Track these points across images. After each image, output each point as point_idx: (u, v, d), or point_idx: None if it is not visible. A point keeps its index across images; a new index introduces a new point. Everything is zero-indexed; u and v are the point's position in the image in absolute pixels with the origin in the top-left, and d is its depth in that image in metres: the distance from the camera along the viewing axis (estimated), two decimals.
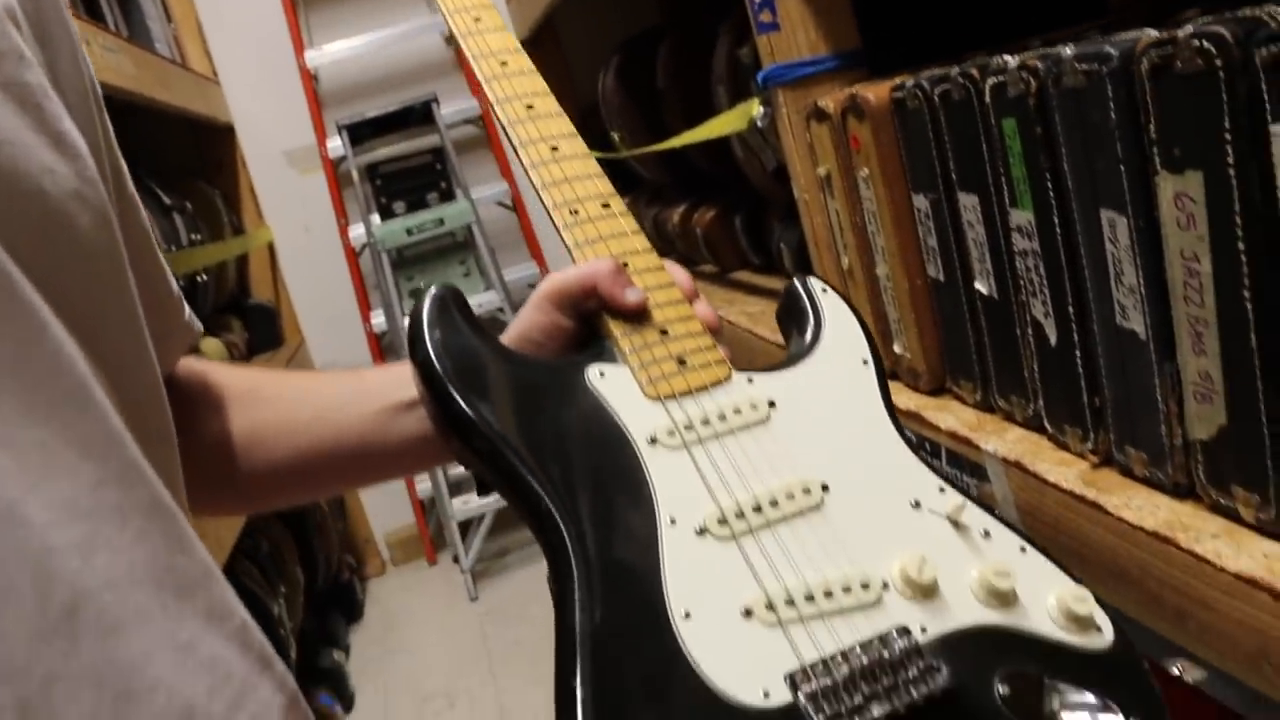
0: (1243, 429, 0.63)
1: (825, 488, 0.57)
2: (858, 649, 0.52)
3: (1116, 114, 0.66)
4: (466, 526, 3.20)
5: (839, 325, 0.66)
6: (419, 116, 3.00)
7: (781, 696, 0.50)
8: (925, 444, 0.95)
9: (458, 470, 3.31)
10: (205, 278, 2.50)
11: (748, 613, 0.53)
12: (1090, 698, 0.53)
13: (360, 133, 3.00)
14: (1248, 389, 0.62)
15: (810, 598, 0.53)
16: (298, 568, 2.58)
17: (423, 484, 3.29)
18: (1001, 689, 0.52)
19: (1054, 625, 0.55)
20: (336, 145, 3.08)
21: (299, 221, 3.18)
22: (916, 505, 0.58)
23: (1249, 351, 0.60)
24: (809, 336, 0.66)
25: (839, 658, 0.51)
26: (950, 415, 0.92)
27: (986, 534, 0.58)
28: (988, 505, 0.59)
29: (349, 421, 0.66)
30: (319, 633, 2.75)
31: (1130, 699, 0.53)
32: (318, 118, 3.13)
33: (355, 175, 3.04)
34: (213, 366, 0.71)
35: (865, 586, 0.54)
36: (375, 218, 3.05)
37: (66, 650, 0.39)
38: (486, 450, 0.58)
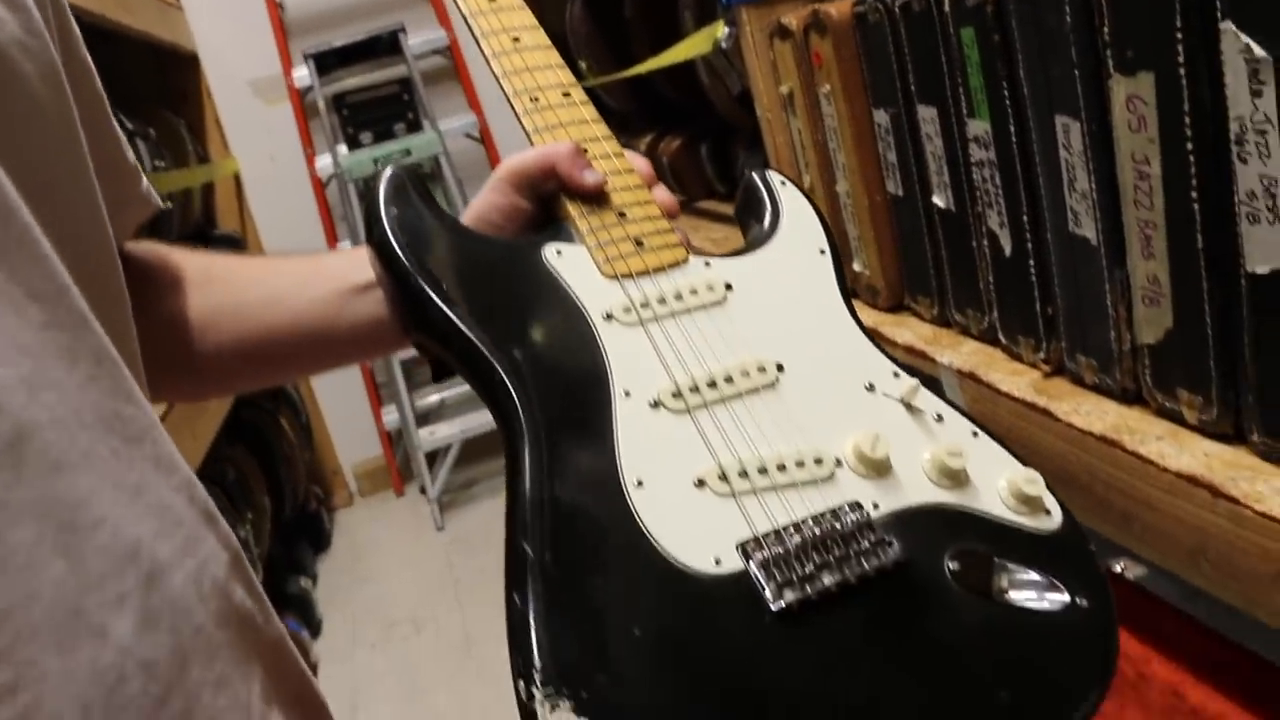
0: (1188, 332, 0.63)
1: (780, 368, 0.56)
2: (810, 521, 0.51)
3: (1071, 17, 0.65)
4: (434, 458, 3.19)
5: (797, 215, 0.65)
6: (386, 46, 2.94)
7: (733, 564, 0.49)
8: None
9: (425, 401, 3.28)
10: (169, 205, 2.45)
11: (700, 483, 0.51)
12: (1037, 577, 0.52)
13: (326, 62, 2.94)
14: (1193, 291, 0.61)
15: (763, 470, 0.52)
16: (265, 496, 2.55)
17: (390, 416, 3.26)
18: (951, 565, 0.52)
19: (1004, 507, 0.54)
20: (303, 75, 3.02)
21: (265, 152, 3.11)
22: (870, 388, 0.57)
23: (1195, 253, 0.59)
24: (767, 225, 0.64)
25: (791, 529, 0.50)
26: (908, 330, 0.91)
27: (939, 418, 0.57)
28: (943, 396, 0.58)
29: (304, 303, 0.64)
30: (286, 561, 2.73)
31: (1076, 580, 0.52)
32: (283, 47, 3.06)
33: (322, 106, 2.98)
34: (169, 249, 0.69)
35: (818, 462, 0.53)
36: (342, 148, 2.99)
37: (9, 481, 0.37)
38: (441, 324, 0.56)
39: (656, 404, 0.54)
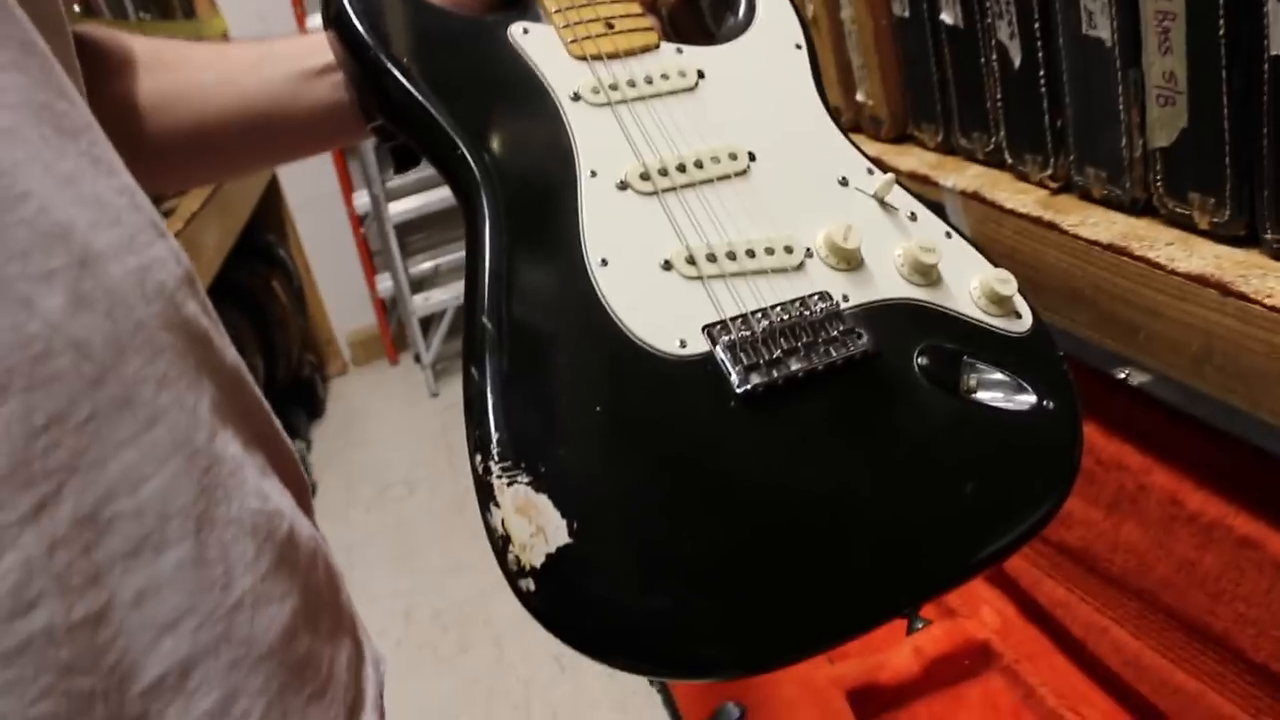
0: (1203, 130, 0.59)
1: (752, 156, 0.52)
2: (778, 308, 0.47)
3: None
4: (428, 324, 3.11)
5: (772, 9, 0.59)
6: None
7: (698, 347, 0.45)
8: None
9: (419, 268, 3.16)
10: None
11: (667, 265, 0.47)
12: (1005, 377, 0.49)
13: None
14: (1211, 85, 0.56)
15: (732, 255, 0.48)
16: (258, 357, 2.45)
17: (384, 283, 3.18)
18: (920, 361, 0.48)
19: (975, 307, 0.51)
20: None
21: (253, 11, 2.93)
22: (844, 182, 0.52)
23: (1216, 42, 0.54)
24: (741, 17, 0.58)
25: (759, 314, 0.46)
26: (911, 158, 0.87)
27: (913, 216, 0.52)
28: (916, 195, 0.53)
29: (257, 86, 0.57)
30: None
31: (1043, 383, 0.49)
32: None
33: None
34: (117, 32, 0.61)
35: (788, 250, 0.49)
36: None
37: None
38: (401, 100, 0.50)
39: (624, 185, 0.49)
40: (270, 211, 2.97)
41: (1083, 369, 0.84)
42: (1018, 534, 0.46)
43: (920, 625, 0.45)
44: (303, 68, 0.58)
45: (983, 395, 0.49)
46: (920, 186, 0.83)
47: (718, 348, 0.45)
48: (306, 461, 2.62)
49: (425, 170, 0.55)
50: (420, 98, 0.49)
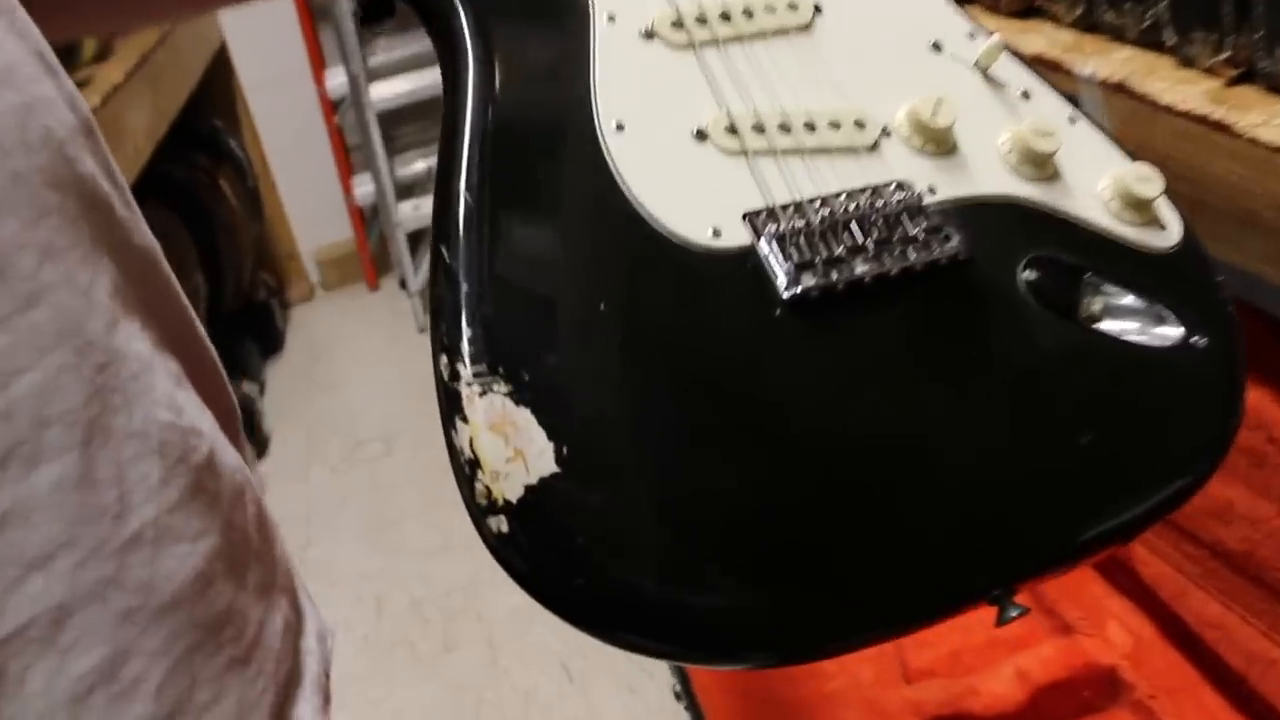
0: None
1: (817, 8, 0.48)
2: (843, 196, 0.44)
3: None
4: (417, 240, 2.89)
5: None
6: None
7: (737, 238, 0.42)
8: None
9: (408, 170, 2.94)
10: None
11: (700, 134, 0.44)
12: (1141, 303, 0.46)
13: None
14: None
15: (785, 126, 0.45)
16: (198, 274, 2.39)
17: (363, 188, 2.95)
18: (1027, 275, 0.45)
19: (1105, 213, 0.47)
20: None
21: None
22: (937, 47, 0.49)
23: None
24: None
25: (817, 202, 0.43)
26: (1039, 37, 0.82)
27: (1026, 94, 0.49)
28: (1034, 71, 0.50)
29: None
30: (225, 360, 2.59)
31: (1192, 313, 0.46)
32: None
33: None
34: None
35: (859, 125, 0.46)
36: None
37: None
38: None
39: (650, 34, 0.46)
40: (218, 90, 2.78)
41: (1253, 314, 0.80)
42: (1145, 509, 0.43)
43: (1015, 614, 0.42)
44: None
45: (1109, 325, 0.45)
46: (1049, 75, 0.80)
47: (762, 240, 0.42)
48: (257, 408, 2.55)
49: (417, 43, 0.53)
50: None
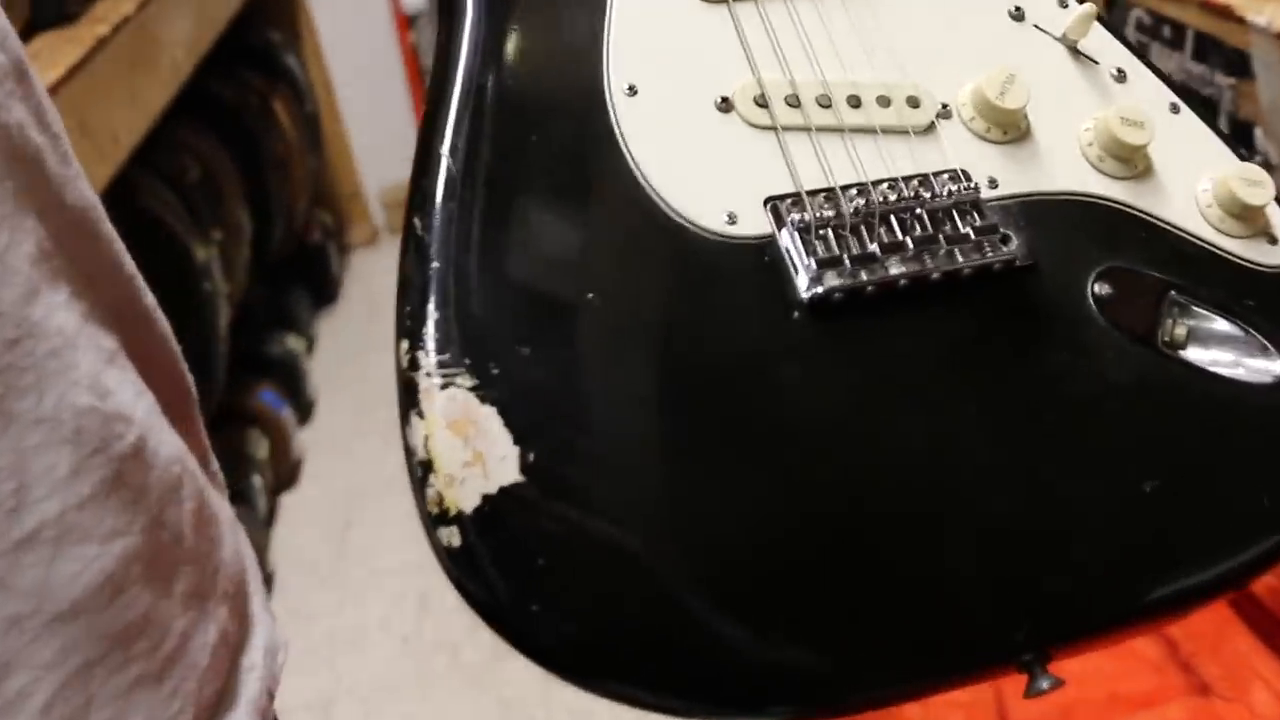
0: None
1: None
2: (885, 184, 0.44)
3: None
4: None
5: None
6: None
7: (756, 225, 0.43)
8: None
9: None
10: None
11: (725, 104, 0.44)
12: (1237, 329, 0.45)
13: None
14: None
15: (825, 101, 0.45)
16: (243, 211, 2.41)
17: None
18: (1099, 289, 0.44)
19: (1201, 219, 0.46)
20: None
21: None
22: (1018, 14, 0.49)
23: None
24: None
25: (854, 189, 0.43)
26: None
27: (1121, 75, 0.48)
28: (1138, 49, 0.49)
29: None
30: (270, 310, 2.58)
31: None
32: None
33: None
34: None
35: (914, 104, 0.46)
36: None
37: None
38: None
39: None
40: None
41: None
42: (1223, 571, 0.42)
43: (1046, 686, 0.42)
44: None
45: (1195, 353, 0.45)
46: (1216, 25, 0.78)
47: (785, 230, 0.42)
48: (302, 367, 2.55)
49: None
50: None
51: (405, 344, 0.40)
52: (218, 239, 2.02)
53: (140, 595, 0.39)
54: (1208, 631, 1.11)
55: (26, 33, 1.63)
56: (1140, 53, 0.49)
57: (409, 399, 0.39)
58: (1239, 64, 0.81)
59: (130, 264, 0.44)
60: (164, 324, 0.46)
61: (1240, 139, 0.88)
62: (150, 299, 0.45)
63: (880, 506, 0.40)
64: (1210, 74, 0.86)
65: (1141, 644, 1.10)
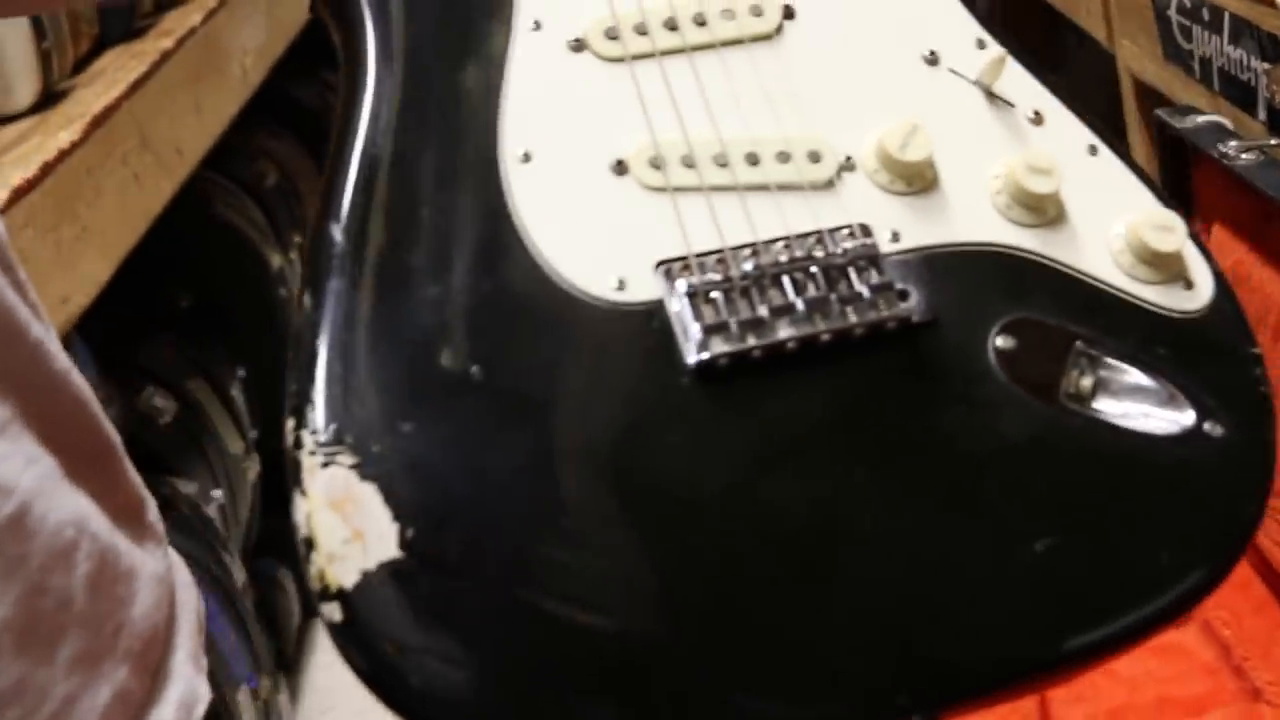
0: None
1: (789, 11, 0.48)
2: (780, 243, 0.44)
3: None
4: None
5: None
6: None
7: (646, 291, 0.43)
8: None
9: None
10: None
11: (620, 167, 0.45)
12: (1145, 380, 0.44)
13: None
14: None
15: (723, 160, 0.45)
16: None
17: None
18: (1001, 342, 0.44)
19: (1114, 266, 0.46)
20: None
21: None
22: (932, 59, 0.48)
23: None
24: None
25: (746, 250, 0.43)
26: None
27: (1037, 118, 0.48)
28: (1055, 85, 0.49)
29: None
30: None
31: (1213, 394, 0.44)
32: None
33: None
34: None
35: (815, 158, 0.45)
36: None
37: None
38: None
39: (580, 45, 0.46)
40: None
41: None
42: (1115, 631, 0.42)
43: None
44: None
45: (1102, 405, 0.44)
46: (1249, 8, 0.76)
47: (674, 295, 0.43)
48: None
49: None
50: None
51: (291, 421, 0.41)
52: (296, 242, 2.05)
53: (10, 665, 0.40)
54: (1260, 637, 1.10)
55: (96, 49, 1.67)
56: (1059, 87, 0.49)
57: (294, 476, 0.40)
58: (1272, 50, 0.79)
59: (35, 330, 0.45)
60: (77, 385, 0.47)
61: (1276, 124, 0.86)
62: (60, 362, 0.46)
63: (765, 574, 0.41)
64: (1247, 59, 0.84)
65: (1196, 646, 1.09)
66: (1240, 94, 0.87)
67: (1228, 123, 0.89)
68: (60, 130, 1.41)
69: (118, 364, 1.51)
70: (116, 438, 0.50)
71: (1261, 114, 0.85)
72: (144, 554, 0.48)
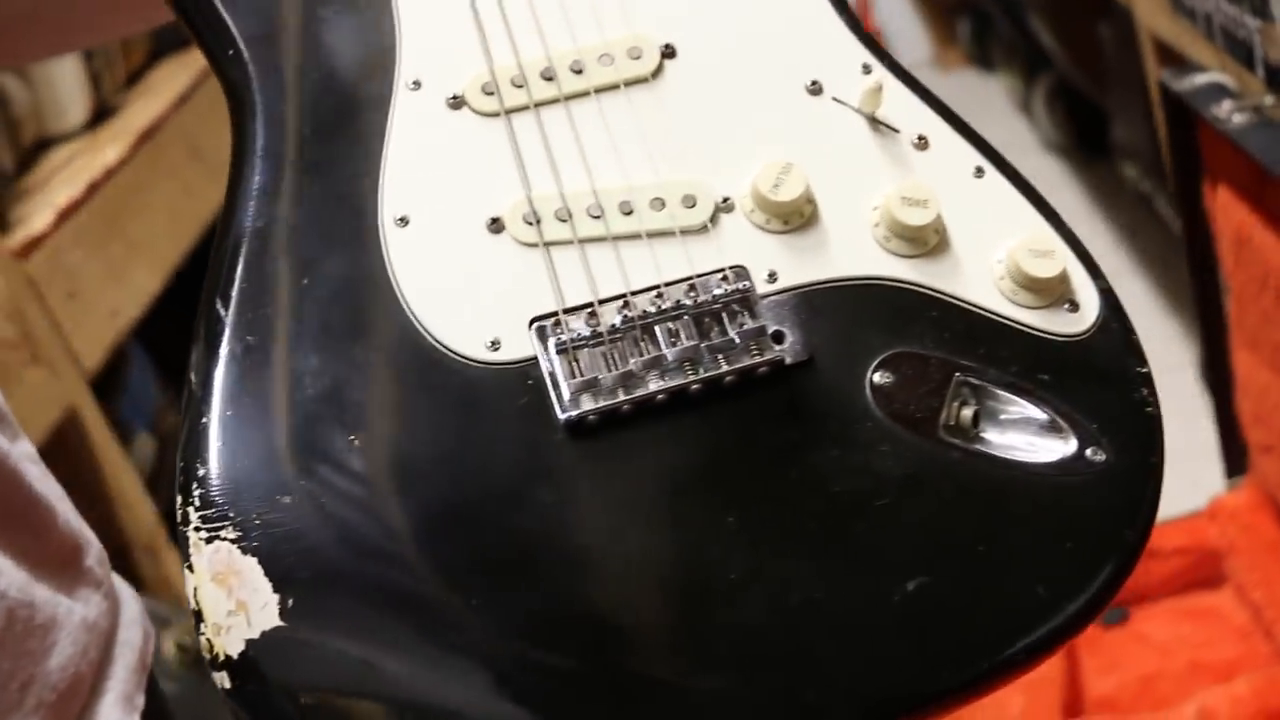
0: None
1: (667, 51, 0.48)
2: (652, 292, 0.44)
3: None
4: None
5: None
6: None
7: (519, 349, 0.44)
8: None
9: None
10: None
11: (496, 225, 0.45)
12: (1029, 409, 0.44)
13: None
14: None
15: (596, 211, 0.45)
16: None
17: None
18: (878, 378, 0.44)
19: (997, 292, 0.45)
20: None
21: None
22: (815, 89, 0.48)
23: None
24: None
25: (618, 301, 0.44)
26: None
27: (922, 142, 0.47)
28: (943, 106, 0.48)
29: None
30: None
31: (1098, 418, 0.44)
32: None
33: None
34: None
35: (690, 203, 0.46)
36: None
37: None
38: None
39: (458, 102, 0.47)
40: None
41: None
42: (990, 667, 0.42)
43: None
44: None
45: (987, 435, 0.44)
46: None
47: (545, 356, 0.43)
48: None
49: None
50: None
51: (179, 498, 0.42)
52: None
53: None
54: None
55: (149, 61, 1.70)
56: (946, 109, 0.48)
57: (183, 551, 0.42)
58: (1261, 6, 0.77)
59: None
60: (29, 493, 0.49)
61: (1275, 82, 0.84)
62: (20, 475, 0.49)
63: (641, 625, 0.42)
64: (1240, 15, 0.82)
65: (1230, 608, 1.08)
66: (1241, 51, 0.85)
67: (1229, 81, 0.87)
68: (108, 147, 1.45)
69: (180, 372, 1.55)
70: (47, 486, 0.52)
71: (1260, 71, 0.82)
72: (72, 602, 0.50)
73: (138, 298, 1.35)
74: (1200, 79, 0.88)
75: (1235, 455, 1.12)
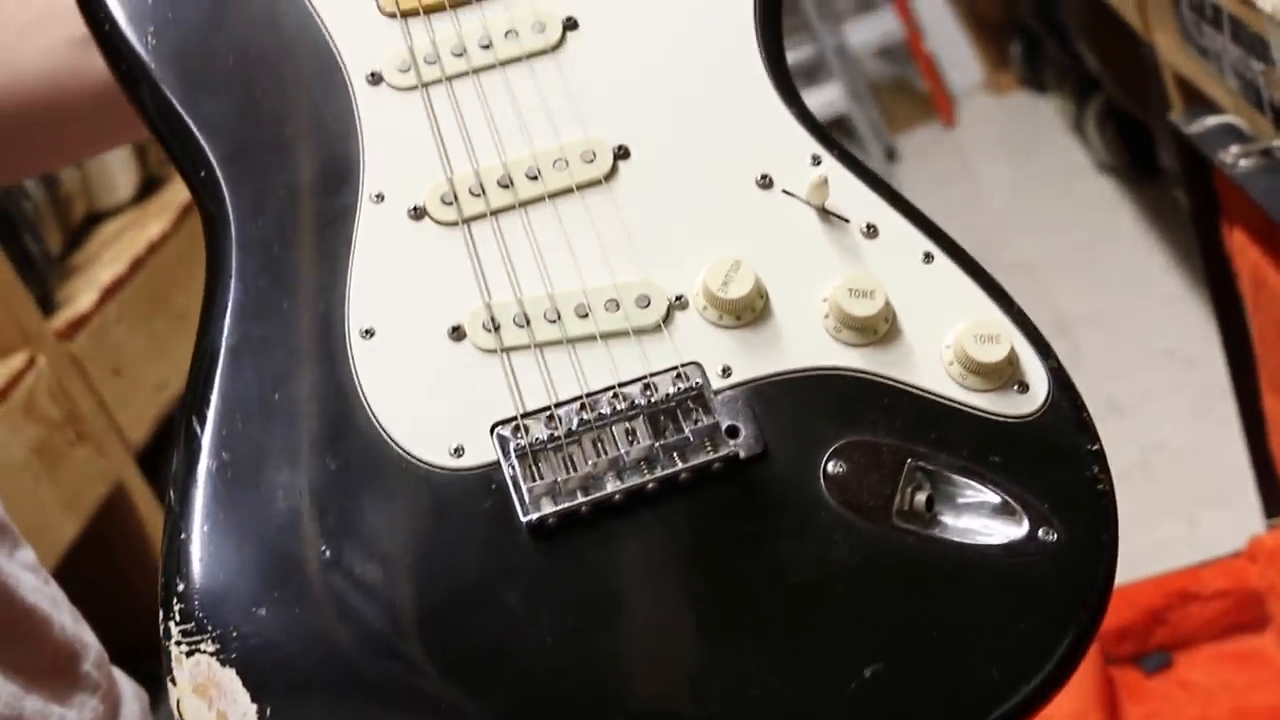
0: None
1: (621, 152, 0.50)
2: (608, 393, 0.46)
3: None
4: None
5: None
6: None
7: (481, 454, 0.46)
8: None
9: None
10: None
11: (457, 333, 0.47)
12: (981, 492, 0.45)
13: None
14: None
15: (553, 315, 0.47)
16: None
17: None
18: (832, 467, 0.45)
19: (946, 377, 0.47)
20: None
21: None
22: (765, 183, 0.49)
23: None
24: None
25: (575, 404, 0.46)
26: None
27: (870, 230, 0.49)
28: (892, 192, 0.49)
29: (28, 58, 0.61)
30: None
31: (1049, 499, 0.45)
32: None
33: None
34: None
35: (644, 303, 0.47)
36: None
37: None
38: (132, 71, 0.51)
39: (419, 213, 0.49)
40: None
41: None
42: None
43: None
44: (82, 31, 0.60)
45: (940, 520, 0.45)
46: (1238, 9, 0.75)
47: (507, 458, 0.45)
48: None
49: None
50: (157, 78, 0.51)
51: (161, 613, 0.44)
52: None
53: None
54: None
55: None
56: (895, 195, 0.49)
57: (166, 665, 0.44)
58: (1262, 49, 0.78)
59: None
60: (24, 605, 0.52)
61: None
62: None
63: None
64: (1246, 59, 0.83)
65: (1273, 650, 1.07)
66: (1251, 92, 0.85)
67: (1241, 123, 0.87)
68: (152, 221, 1.50)
69: None
70: (43, 594, 0.54)
71: (1269, 113, 0.83)
72: (65, 710, 0.52)
73: (183, 369, 1.38)
74: (1211, 121, 0.88)
75: (1273, 495, 1.11)
